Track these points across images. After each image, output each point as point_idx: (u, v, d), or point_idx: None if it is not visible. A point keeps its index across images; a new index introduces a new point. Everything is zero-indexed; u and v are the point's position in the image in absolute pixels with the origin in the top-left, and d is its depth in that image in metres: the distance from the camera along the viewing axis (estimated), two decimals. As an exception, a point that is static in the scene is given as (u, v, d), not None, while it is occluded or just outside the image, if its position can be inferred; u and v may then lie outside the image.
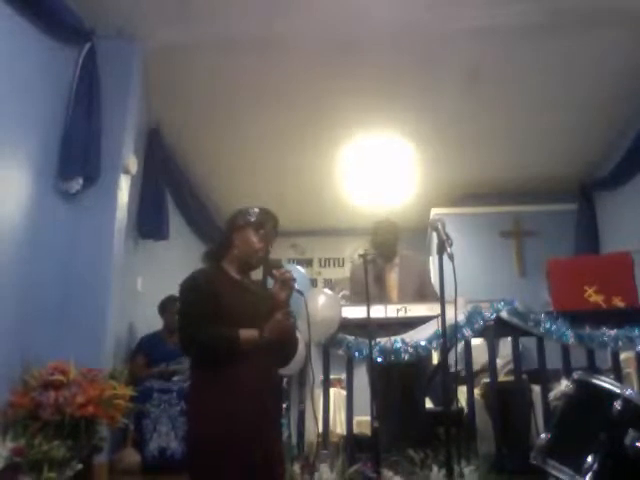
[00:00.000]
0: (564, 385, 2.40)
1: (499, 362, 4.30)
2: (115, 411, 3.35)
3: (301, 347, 2.86)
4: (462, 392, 3.99)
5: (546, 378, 3.65)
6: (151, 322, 4.84)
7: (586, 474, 2.14)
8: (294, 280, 2.47)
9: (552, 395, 3.29)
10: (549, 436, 2.35)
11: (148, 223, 5.05)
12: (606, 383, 2.30)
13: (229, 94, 5.14)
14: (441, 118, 5.55)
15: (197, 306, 2.37)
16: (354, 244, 7.80)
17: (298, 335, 2.55)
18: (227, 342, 2.28)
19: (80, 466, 3.14)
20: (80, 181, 3.97)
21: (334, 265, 8.21)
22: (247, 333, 2.29)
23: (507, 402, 3.80)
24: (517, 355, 3.84)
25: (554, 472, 2.26)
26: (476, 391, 4.01)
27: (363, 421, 4.09)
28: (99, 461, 3.56)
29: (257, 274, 2.56)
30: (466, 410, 3.81)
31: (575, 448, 2.23)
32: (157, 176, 5.23)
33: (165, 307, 4.84)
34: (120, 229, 4.29)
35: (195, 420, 2.30)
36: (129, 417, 3.61)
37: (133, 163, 4.50)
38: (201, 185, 6.66)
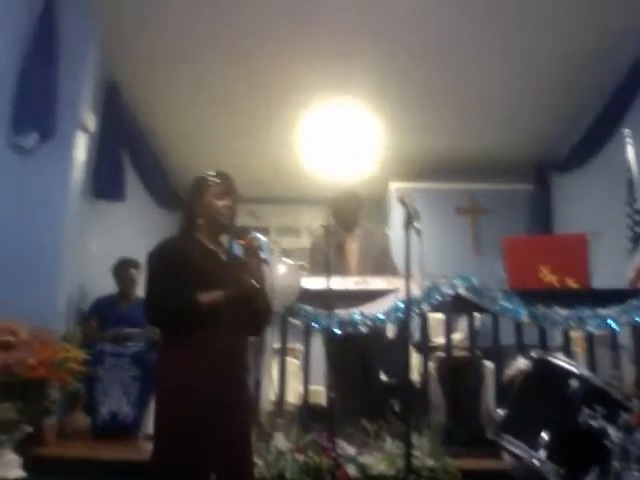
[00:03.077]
0: (521, 363, 2.45)
1: (458, 337, 4.37)
2: (67, 374, 3.28)
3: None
4: (416, 365, 4.07)
5: (500, 354, 3.74)
6: (105, 285, 4.72)
7: (540, 449, 2.20)
8: (261, 248, 2.45)
9: (508, 372, 3.37)
10: (505, 411, 2.40)
11: (104, 183, 4.88)
12: (564, 362, 2.36)
13: (189, 51, 4.98)
14: (404, 88, 5.51)
15: (164, 275, 2.32)
16: (312, 214, 7.75)
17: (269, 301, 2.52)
18: (189, 304, 2.25)
19: (30, 429, 3.10)
20: (35, 136, 3.83)
21: (291, 235, 8.14)
22: (209, 295, 2.26)
23: (459, 376, 3.88)
24: (472, 331, 3.92)
25: (509, 447, 2.30)
26: (431, 364, 4.07)
27: (318, 391, 4.11)
28: (49, 424, 3.50)
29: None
30: (420, 383, 3.87)
31: (530, 424, 2.28)
32: (115, 134, 5.05)
33: (119, 270, 4.73)
34: (75, 188, 4.17)
35: (164, 398, 2.26)
36: (80, 380, 3.52)
37: (91, 120, 4.35)
38: (158, 146, 6.48)
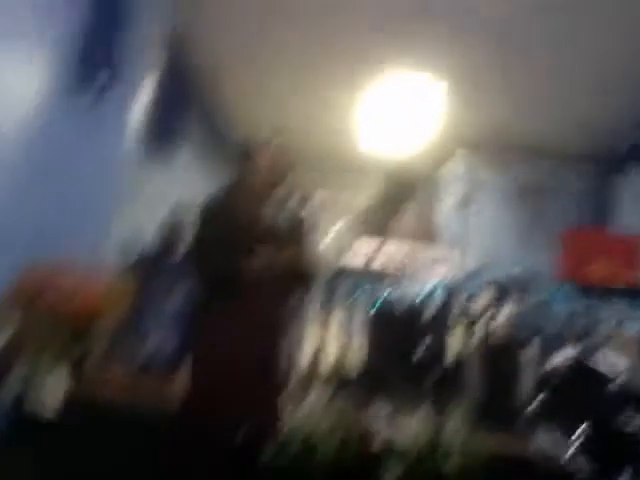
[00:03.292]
0: (565, 355, 2.42)
1: (506, 318, 4.30)
2: (115, 315, 3.40)
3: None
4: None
5: (544, 342, 3.67)
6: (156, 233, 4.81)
7: (572, 444, 2.19)
8: (309, 210, 2.46)
9: (552, 361, 3.32)
10: (543, 400, 2.39)
11: (164, 130, 4.96)
12: (603, 366, 2.32)
13: (258, 9, 4.95)
14: (477, 60, 5.32)
15: (211, 234, 2.35)
16: (368, 185, 7.67)
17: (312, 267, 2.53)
18: (235, 271, 2.27)
19: (74, 365, 3.21)
20: (101, 77, 3.88)
21: (344, 205, 8.06)
22: (256, 261, 2.28)
23: (499, 358, 3.84)
24: (516, 315, 3.86)
25: (540, 437, 2.31)
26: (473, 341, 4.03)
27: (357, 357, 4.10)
28: (94, 361, 3.63)
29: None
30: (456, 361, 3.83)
31: (566, 418, 2.27)
32: (178, 83, 5.10)
33: (173, 221, 4.80)
34: (134, 133, 4.23)
35: (199, 356, 2.32)
36: (128, 322, 3.64)
37: (155, 66, 4.38)
38: (220, 100, 6.50)
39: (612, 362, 2.36)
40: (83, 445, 2.88)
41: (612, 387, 2.20)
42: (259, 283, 2.28)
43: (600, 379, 2.25)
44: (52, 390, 2.96)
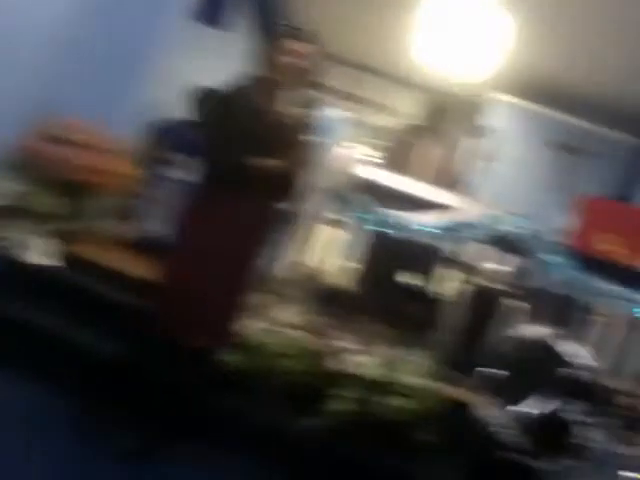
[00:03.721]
0: (533, 331, 2.43)
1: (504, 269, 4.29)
2: (119, 186, 3.43)
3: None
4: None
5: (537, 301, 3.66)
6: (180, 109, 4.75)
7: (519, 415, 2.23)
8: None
9: (523, 333, 3.30)
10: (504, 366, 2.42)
11: (209, 7, 4.78)
12: (568, 353, 2.33)
13: None
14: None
15: (219, 125, 2.34)
16: (410, 99, 7.40)
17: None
18: (239, 168, 2.28)
19: (72, 226, 3.29)
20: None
21: (386, 113, 7.80)
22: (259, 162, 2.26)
23: (486, 307, 3.86)
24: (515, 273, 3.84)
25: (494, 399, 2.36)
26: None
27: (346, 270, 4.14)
28: (92, 228, 3.70)
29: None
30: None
31: (520, 390, 2.31)
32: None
33: (200, 99, 4.72)
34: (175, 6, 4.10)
35: (179, 244, 2.36)
36: (132, 196, 3.68)
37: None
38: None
39: (577, 352, 2.37)
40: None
41: (569, 374, 2.21)
42: (251, 183, 2.29)
43: (560, 364, 2.26)
44: (41, 248, 3.05)
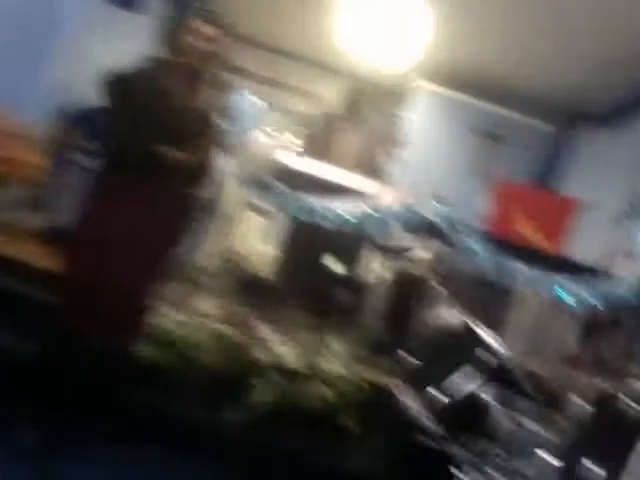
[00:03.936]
0: (452, 316, 2.46)
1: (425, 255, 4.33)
2: (27, 175, 3.26)
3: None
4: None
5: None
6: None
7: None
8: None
9: (442, 318, 3.35)
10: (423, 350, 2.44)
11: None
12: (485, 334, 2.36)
13: None
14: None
15: (123, 110, 2.23)
16: (331, 85, 7.38)
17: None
18: (149, 157, 2.19)
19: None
20: None
21: (307, 98, 7.75)
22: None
23: (409, 293, 3.90)
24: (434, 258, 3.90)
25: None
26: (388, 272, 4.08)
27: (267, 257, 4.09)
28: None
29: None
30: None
31: (435, 375, 2.33)
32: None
33: (113, 85, 4.54)
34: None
35: (81, 230, 2.25)
36: (40, 185, 3.50)
37: None
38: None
39: (494, 335, 2.41)
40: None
41: (487, 358, 2.24)
42: (159, 171, 2.21)
43: (478, 347, 2.29)
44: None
